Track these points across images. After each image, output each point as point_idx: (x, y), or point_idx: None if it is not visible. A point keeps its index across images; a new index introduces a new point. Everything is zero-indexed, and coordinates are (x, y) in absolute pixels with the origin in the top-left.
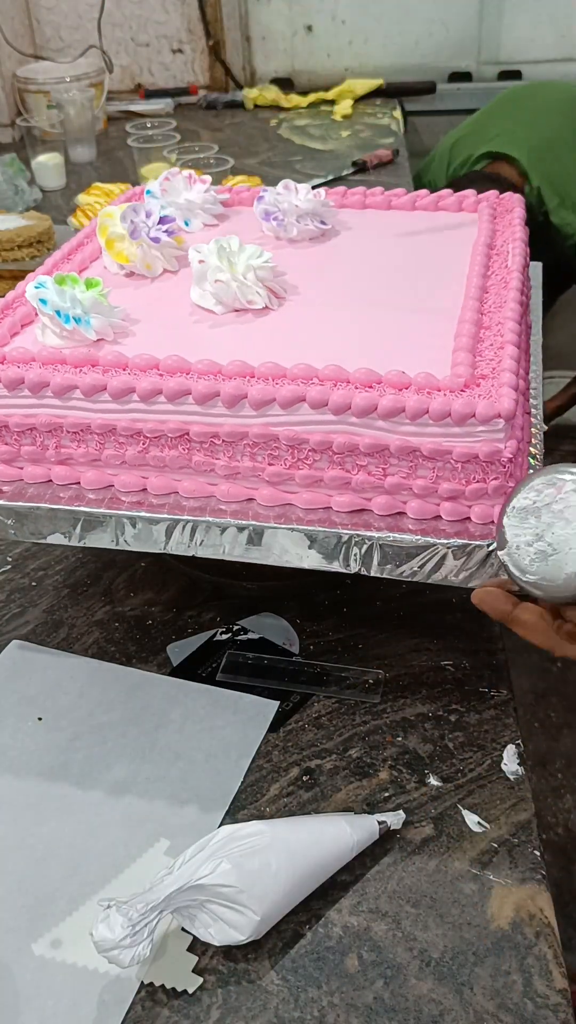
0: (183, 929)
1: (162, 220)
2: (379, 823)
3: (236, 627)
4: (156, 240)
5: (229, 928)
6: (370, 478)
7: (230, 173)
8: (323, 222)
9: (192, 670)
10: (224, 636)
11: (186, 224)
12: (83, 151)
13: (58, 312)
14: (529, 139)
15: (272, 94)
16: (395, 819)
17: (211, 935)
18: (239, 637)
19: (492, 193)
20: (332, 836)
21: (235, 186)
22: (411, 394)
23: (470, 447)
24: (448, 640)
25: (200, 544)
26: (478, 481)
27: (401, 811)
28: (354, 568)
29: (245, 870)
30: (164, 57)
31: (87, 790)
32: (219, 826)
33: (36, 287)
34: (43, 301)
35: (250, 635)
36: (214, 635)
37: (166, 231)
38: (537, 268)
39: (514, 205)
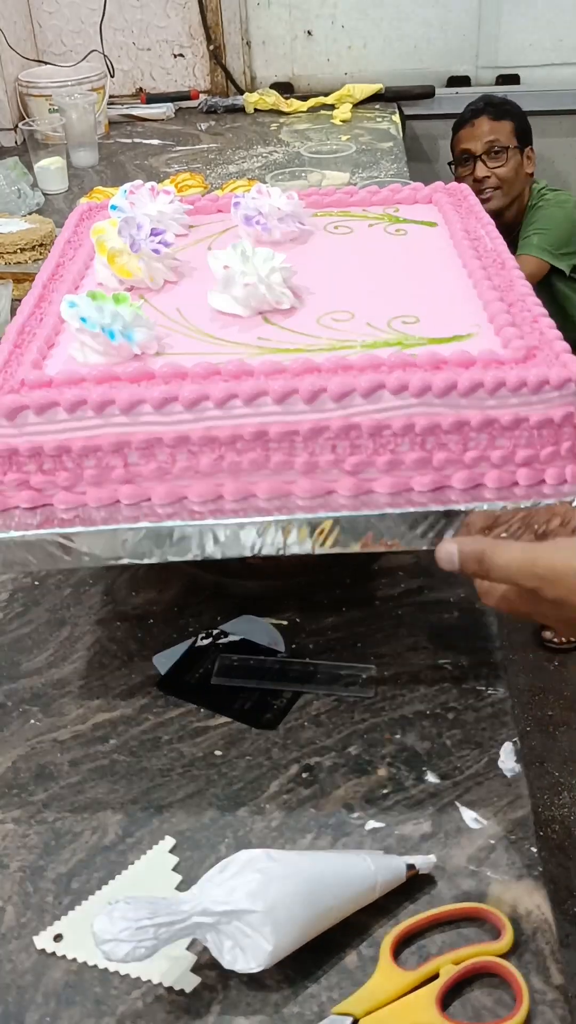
0: None
1: (153, 232)
2: (407, 866)
3: (216, 631)
4: (157, 252)
5: (241, 955)
6: (451, 455)
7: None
8: (301, 223)
9: (180, 678)
10: (206, 641)
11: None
12: (85, 155)
13: (103, 328)
14: None
15: (272, 98)
16: (425, 863)
17: (223, 957)
18: (220, 641)
19: (440, 184)
20: (355, 874)
21: (180, 185)
22: (479, 370)
23: (545, 413)
24: (446, 638)
25: (290, 544)
26: (551, 445)
27: (432, 855)
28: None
29: (265, 898)
30: (165, 61)
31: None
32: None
33: (71, 307)
34: (84, 320)
35: (231, 638)
36: (195, 641)
37: (160, 242)
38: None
39: (467, 194)
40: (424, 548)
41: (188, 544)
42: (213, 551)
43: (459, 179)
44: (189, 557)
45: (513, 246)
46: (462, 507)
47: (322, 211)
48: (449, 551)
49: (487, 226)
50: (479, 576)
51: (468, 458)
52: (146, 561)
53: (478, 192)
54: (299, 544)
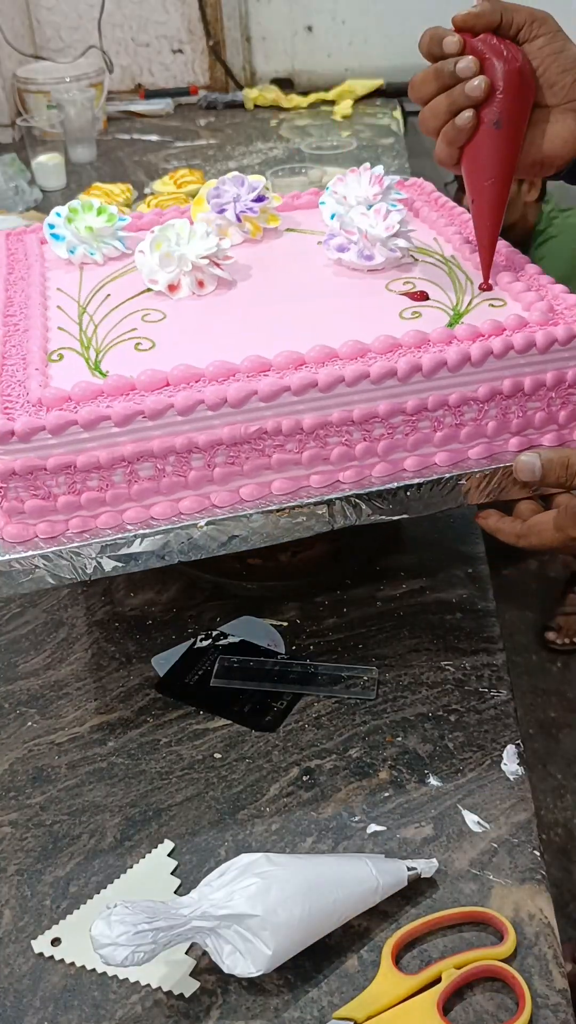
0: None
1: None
2: (409, 869)
3: (216, 633)
4: (250, 211)
5: (241, 959)
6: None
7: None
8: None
9: (179, 680)
10: (205, 643)
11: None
12: (83, 151)
13: (53, 235)
14: None
15: (272, 94)
16: (427, 867)
17: (222, 961)
18: (220, 642)
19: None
20: (356, 878)
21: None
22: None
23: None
24: (448, 640)
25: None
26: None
27: (434, 859)
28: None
29: (265, 902)
30: (164, 57)
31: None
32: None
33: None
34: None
35: (231, 639)
36: (194, 643)
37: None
38: None
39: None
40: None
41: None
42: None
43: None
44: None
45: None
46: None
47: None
48: (530, 461)
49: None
50: (563, 485)
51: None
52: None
53: None
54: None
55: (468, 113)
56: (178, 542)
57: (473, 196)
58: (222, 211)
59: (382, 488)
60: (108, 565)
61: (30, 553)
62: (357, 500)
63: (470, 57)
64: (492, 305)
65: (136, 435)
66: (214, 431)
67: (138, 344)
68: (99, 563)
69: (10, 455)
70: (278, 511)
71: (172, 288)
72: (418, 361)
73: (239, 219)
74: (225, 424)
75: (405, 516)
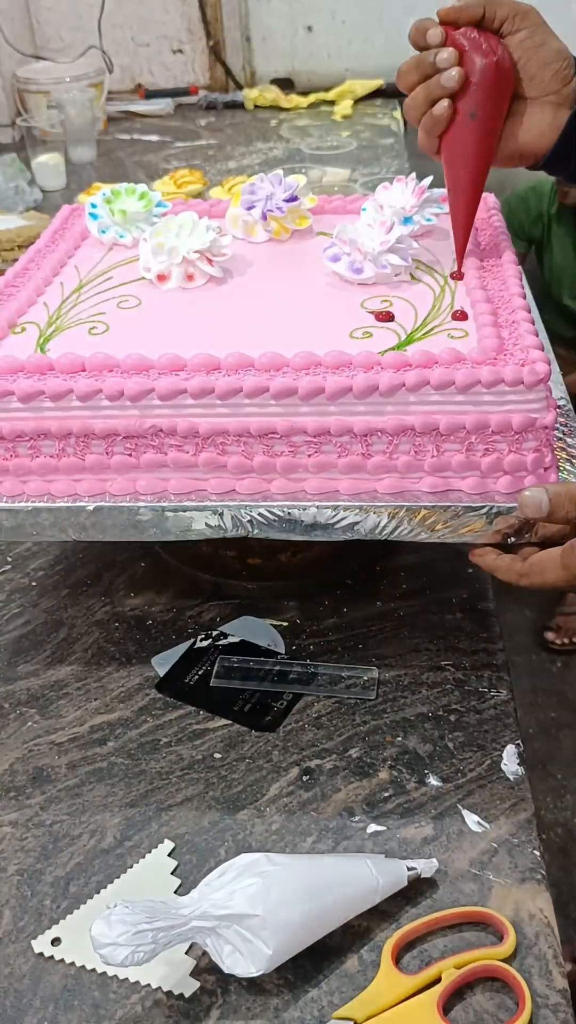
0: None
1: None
2: (409, 869)
3: (216, 633)
4: (275, 211)
5: (241, 959)
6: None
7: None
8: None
9: (179, 680)
10: (205, 643)
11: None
12: (83, 151)
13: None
14: None
15: (272, 94)
16: (427, 866)
17: (222, 961)
18: (220, 642)
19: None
20: (356, 878)
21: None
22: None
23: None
24: (448, 640)
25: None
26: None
27: (434, 859)
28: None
29: (265, 902)
30: (164, 57)
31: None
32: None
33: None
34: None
35: (231, 639)
36: (194, 643)
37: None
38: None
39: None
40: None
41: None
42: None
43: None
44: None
45: None
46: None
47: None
48: (536, 496)
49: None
50: (570, 521)
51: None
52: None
53: None
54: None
55: (444, 103)
56: (69, 520)
57: (449, 184)
58: (251, 207)
59: (273, 505)
60: None
61: None
62: (247, 513)
63: (449, 49)
64: (451, 336)
65: (37, 413)
66: (110, 421)
67: (92, 328)
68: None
69: None
70: (169, 510)
71: (161, 278)
72: (320, 383)
73: (264, 217)
74: (121, 416)
75: (294, 537)
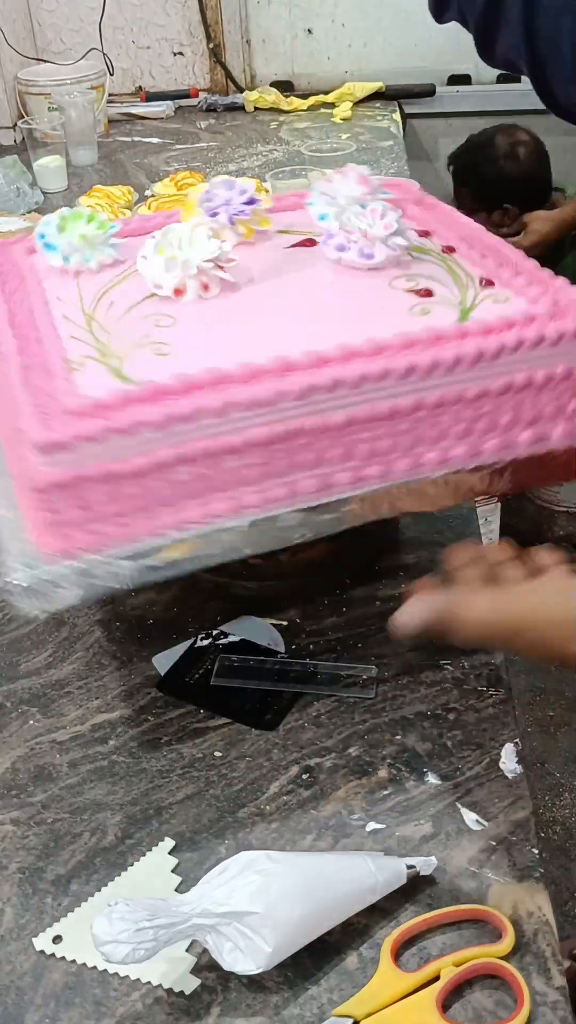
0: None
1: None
2: (408, 867)
3: (216, 632)
4: (239, 214)
5: (241, 956)
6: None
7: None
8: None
9: (180, 679)
10: (205, 642)
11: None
12: (84, 154)
13: (45, 244)
14: None
15: (272, 97)
16: (426, 864)
17: (222, 958)
18: (220, 641)
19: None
20: (355, 876)
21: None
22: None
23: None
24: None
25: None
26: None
27: (433, 857)
28: None
29: (265, 900)
30: (165, 60)
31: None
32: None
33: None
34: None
35: (231, 638)
36: (194, 642)
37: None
38: None
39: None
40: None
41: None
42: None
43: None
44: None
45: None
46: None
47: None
48: (409, 616)
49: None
50: (447, 636)
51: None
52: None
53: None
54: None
55: None
56: (216, 543)
57: None
58: (214, 215)
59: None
60: (146, 573)
61: (71, 564)
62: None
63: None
64: (495, 301)
65: (174, 439)
66: (249, 432)
67: (158, 349)
68: (136, 571)
69: (51, 467)
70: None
71: (178, 292)
72: (439, 357)
73: (232, 222)
74: (258, 425)
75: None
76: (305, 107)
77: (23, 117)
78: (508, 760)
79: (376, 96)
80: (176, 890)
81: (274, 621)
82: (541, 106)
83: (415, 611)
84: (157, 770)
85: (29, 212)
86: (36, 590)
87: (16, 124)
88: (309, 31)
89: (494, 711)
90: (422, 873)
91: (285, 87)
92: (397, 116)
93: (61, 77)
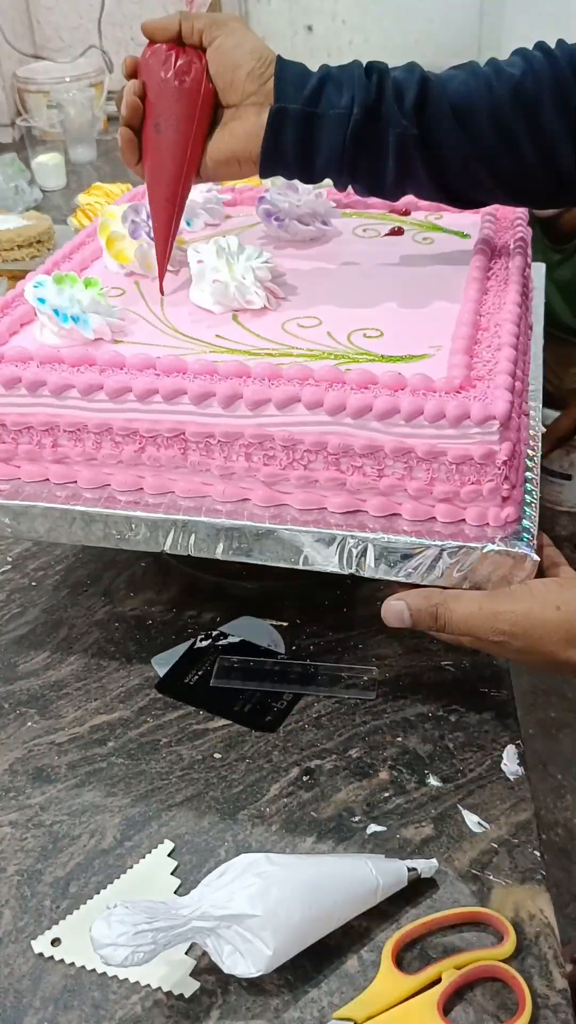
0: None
1: None
2: (409, 870)
3: (216, 633)
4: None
5: (241, 959)
6: (365, 479)
7: None
8: (324, 223)
9: (179, 680)
10: (205, 643)
11: (188, 224)
12: (83, 151)
13: (56, 311)
14: None
15: None
16: (427, 867)
17: (222, 961)
18: (220, 642)
19: None
20: (356, 878)
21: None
22: (406, 395)
23: (465, 448)
24: None
25: (194, 544)
26: (473, 483)
27: (434, 859)
28: (347, 569)
29: (265, 903)
30: None
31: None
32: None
33: (35, 286)
34: (41, 300)
35: (231, 639)
36: (194, 643)
37: None
38: (540, 269)
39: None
40: (333, 570)
41: (101, 531)
42: (128, 540)
43: None
44: (102, 543)
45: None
46: (369, 535)
47: (355, 212)
48: (397, 608)
49: (518, 241)
50: (434, 631)
51: (383, 485)
52: (60, 541)
53: None
54: (207, 548)
55: (123, 122)
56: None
57: (149, 197)
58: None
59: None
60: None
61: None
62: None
63: (130, 68)
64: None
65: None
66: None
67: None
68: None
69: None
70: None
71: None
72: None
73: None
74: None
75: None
76: None
77: (22, 114)
78: (510, 762)
79: None
80: (175, 893)
81: (274, 622)
82: None
83: (400, 605)
84: (156, 772)
85: (27, 210)
86: None
87: (15, 122)
88: (309, 28)
89: (496, 712)
90: (423, 875)
91: None
92: None
93: (60, 74)
